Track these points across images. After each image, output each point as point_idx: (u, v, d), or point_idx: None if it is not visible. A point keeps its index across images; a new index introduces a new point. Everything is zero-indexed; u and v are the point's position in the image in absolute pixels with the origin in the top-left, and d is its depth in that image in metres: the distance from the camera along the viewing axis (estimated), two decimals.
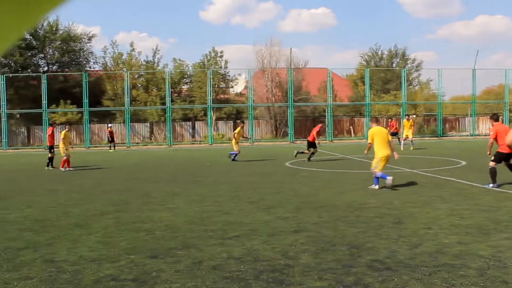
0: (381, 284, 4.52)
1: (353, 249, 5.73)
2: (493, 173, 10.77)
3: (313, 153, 19.10)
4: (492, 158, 10.93)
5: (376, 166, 11.03)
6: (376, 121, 12.28)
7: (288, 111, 38.36)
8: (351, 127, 42.72)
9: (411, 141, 24.79)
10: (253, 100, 39.27)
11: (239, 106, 42.92)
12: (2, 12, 0.50)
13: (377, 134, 11.13)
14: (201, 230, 6.95)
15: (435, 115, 43.19)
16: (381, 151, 10.98)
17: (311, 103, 42.14)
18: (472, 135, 40.93)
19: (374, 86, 50.70)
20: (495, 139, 10.99)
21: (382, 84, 52.74)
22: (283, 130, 41.06)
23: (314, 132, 19.25)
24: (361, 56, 58.68)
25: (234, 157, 19.61)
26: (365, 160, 18.73)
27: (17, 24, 0.52)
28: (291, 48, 47.03)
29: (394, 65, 56.19)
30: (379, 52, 58.03)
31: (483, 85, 66.43)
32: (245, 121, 23.33)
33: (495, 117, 11.63)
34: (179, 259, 5.47)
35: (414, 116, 27.19)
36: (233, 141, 20.02)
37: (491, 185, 10.74)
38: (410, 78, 54.65)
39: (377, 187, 10.85)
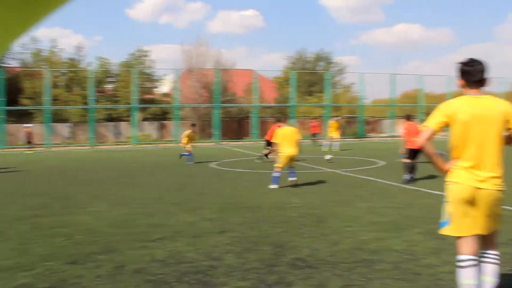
0: (303, 281, 4.63)
1: (276, 249, 5.83)
2: (407, 166, 12.15)
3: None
4: (406, 156, 12.19)
5: (278, 162, 11.53)
6: (285, 121, 12.72)
7: (214, 112, 38.32)
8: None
9: (336, 142, 25.56)
10: (180, 101, 38.88)
11: (165, 107, 42.32)
12: (4, 8, 0.48)
13: (285, 134, 11.56)
14: (123, 233, 6.79)
15: (356, 117, 44.83)
16: (286, 149, 11.42)
17: (237, 104, 42.37)
18: (391, 137, 42.88)
19: (300, 88, 51.78)
20: (407, 136, 12.30)
21: (307, 86, 54.02)
22: (209, 131, 40.95)
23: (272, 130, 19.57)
24: (288, 59, 59.88)
25: (187, 156, 19.12)
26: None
27: (19, 22, 0.50)
28: (219, 49, 47.17)
29: (319, 68, 57.74)
30: (305, 55, 59.47)
31: (401, 89, 69.86)
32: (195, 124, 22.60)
33: (407, 117, 13.02)
34: (100, 264, 5.31)
35: (340, 118, 28.03)
36: (184, 142, 19.37)
37: (408, 176, 11.95)
38: (334, 81, 56.39)
39: (275, 186, 11.34)
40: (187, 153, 19.29)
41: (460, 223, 3.64)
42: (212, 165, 17.82)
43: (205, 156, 22.96)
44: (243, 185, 11.80)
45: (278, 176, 11.45)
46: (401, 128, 14.68)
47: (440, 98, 52.40)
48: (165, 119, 42.33)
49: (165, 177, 13.98)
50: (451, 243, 5.65)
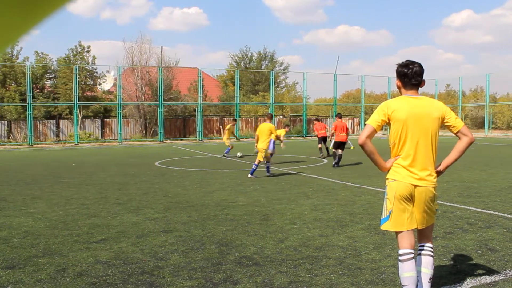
0: (249, 279, 4.66)
1: (222, 247, 5.84)
2: (333, 155, 16.14)
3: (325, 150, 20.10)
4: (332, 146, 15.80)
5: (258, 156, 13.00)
6: (270, 118, 13.61)
7: (158, 110, 37.80)
8: (220, 127, 43.31)
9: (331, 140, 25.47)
10: (122, 98, 38.05)
11: (107, 104, 41.31)
12: (5, 8, 0.48)
13: (260, 130, 12.92)
14: (65, 235, 6.59)
15: (300, 115, 45.48)
16: (259, 144, 12.83)
17: (182, 103, 41.97)
18: (333, 135, 43.73)
19: (244, 87, 52.03)
20: (335, 131, 16.22)
21: (251, 85, 54.30)
22: (153, 129, 40.35)
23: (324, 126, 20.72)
24: (232, 57, 59.91)
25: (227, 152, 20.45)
26: (233, 159, 19.15)
27: (20, 22, 0.49)
28: (162, 47, 46.63)
29: (263, 67, 58.12)
30: (249, 54, 59.71)
31: (343, 89, 71.71)
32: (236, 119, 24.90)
33: (339, 116, 17.04)
34: (40, 267, 5.12)
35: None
36: (224, 137, 20.66)
37: (333, 162, 15.73)
38: (278, 81, 56.98)
39: (250, 175, 12.82)
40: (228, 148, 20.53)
41: (399, 219, 3.79)
42: (157, 164, 17.58)
43: (149, 155, 22.63)
44: (188, 184, 11.72)
45: (253, 168, 12.91)
46: (332, 124, 17.94)
47: (381, 98, 54.39)
48: (107, 117, 41.33)
49: (108, 176, 13.66)
50: (392, 238, 5.88)
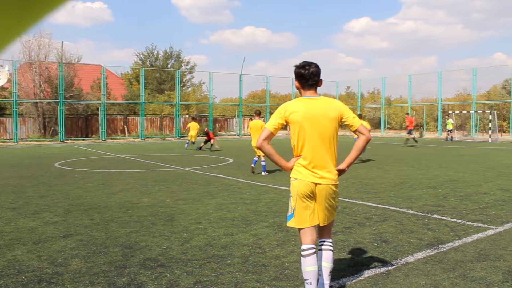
0: (154, 281, 4.59)
1: (126, 250, 5.69)
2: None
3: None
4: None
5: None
6: (258, 114, 13.78)
7: (59, 108, 35.97)
8: (125, 126, 42.15)
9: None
10: (18, 96, 35.73)
11: (1, 102, 38.59)
12: (2, 8, 0.47)
13: (252, 128, 13.30)
14: None
15: (206, 115, 45.47)
16: (253, 142, 13.27)
17: (84, 101, 40.26)
18: (239, 135, 44.34)
19: (149, 85, 51.08)
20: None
21: (157, 84, 53.45)
22: (52, 128, 38.33)
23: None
24: (137, 55, 58.55)
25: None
26: (138, 159, 18.75)
27: (18, 22, 0.49)
28: (62, 42, 44.49)
29: (169, 66, 57.39)
30: (155, 53, 58.68)
31: (249, 89, 72.80)
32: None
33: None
34: None
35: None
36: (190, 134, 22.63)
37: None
38: (184, 80, 56.57)
39: (262, 173, 13.28)
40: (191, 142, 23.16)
41: (302, 216, 3.92)
42: (56, 165, 16.73)
43: (49, 155, 21.48)
44: (90, 185, 11.28)
45: (263, 165, 13.35)
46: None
47: (285, 99, 56.02)
48: (1, 115, 38.66)
49: (1, 179, 12.77)
50: (295, 234, 6.07)
